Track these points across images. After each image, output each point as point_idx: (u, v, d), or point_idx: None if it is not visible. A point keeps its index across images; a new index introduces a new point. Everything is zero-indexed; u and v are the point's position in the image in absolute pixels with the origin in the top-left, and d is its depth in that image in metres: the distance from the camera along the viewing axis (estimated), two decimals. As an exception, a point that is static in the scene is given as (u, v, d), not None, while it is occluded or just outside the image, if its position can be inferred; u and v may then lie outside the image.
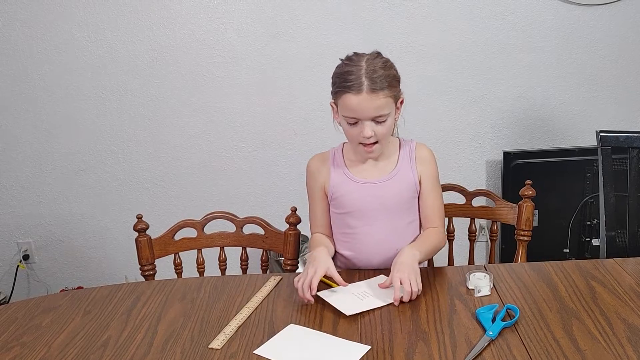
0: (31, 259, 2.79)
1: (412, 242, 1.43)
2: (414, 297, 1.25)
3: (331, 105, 1.40)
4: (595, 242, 2.59)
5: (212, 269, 1.71)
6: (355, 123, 1.31)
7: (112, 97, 2.57)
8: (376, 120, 1.30)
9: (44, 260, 2.80)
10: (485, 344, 1.10)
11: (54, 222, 2.75)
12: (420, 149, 1.47)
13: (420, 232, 1.50)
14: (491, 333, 1.13)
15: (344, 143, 1.48)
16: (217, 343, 1.16)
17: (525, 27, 2.53)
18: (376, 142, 1.34)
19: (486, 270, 1.38)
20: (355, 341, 1.13)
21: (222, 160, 2.66)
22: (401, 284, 1.24)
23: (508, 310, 1.21)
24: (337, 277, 1.29)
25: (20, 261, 2.75)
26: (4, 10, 2.44)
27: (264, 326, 1.22)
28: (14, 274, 2.76)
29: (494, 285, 1.33)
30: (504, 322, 1.16)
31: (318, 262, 1.29)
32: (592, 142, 1.80)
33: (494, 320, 1.17)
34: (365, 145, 1.34)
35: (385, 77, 1.29)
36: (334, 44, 2.51)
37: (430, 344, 1.12)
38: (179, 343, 1.18)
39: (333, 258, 1.51)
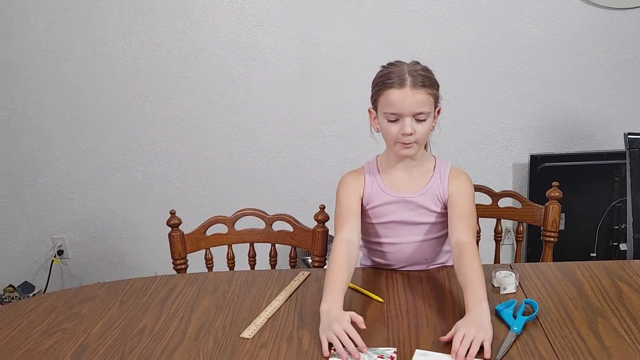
0: (65, 255, 2.88)
1: (470, 286, 1.23)
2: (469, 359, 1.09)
3: (369, 111, 1.42)
4: (623, 246, 2.57)
5: (241, 265, 1.75)
6: (396, 120, 1.33)
7: (145, 97, 2.65)
8: (417, 117, 1.32)
9: (77, 255, 2.89)
10: (513, 340, 1.12)
11: (87, 219, 2.83)
12: (455, 170, 1.46)
13: (447, 243, 1.48)
14: (516, 328, 1.15)
15: (378, 156, 1.50)
16: (248, 333, 1.20)
17: (554, 30, 2.53)
18: (414, 142, 1.35)
19: (512, 268, 1.39)
20: (384, 340, 1.15)
21: (251, 160, 2.71)
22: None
23: (527, 305, 1.22)
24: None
25: (55, 256, 2.84)
26: (43, 14, 2.53)
27: (294, 318, 1.26)
28: (49, 269, 2.85)
29: (519, 284, 1.35)
30: (526, 317, 1.18)
31: (342, 318, 1.16)
32: (620, 145, 1.81)
33: (515, 316, 1.19)
34: (403, 144, 1.35)
35: (427, 77, 1.32)
36: (362, 47, 2.54)
37: (456, 338, 1.14)
38: (211, 332, 1.22)
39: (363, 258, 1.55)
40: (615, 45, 2.55)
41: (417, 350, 1.12)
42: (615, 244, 2.61)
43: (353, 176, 1.48)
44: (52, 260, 2.84)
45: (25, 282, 2.88)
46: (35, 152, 2.74)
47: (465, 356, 1.07)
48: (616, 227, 2.60)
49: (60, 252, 2.86)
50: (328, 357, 1.11)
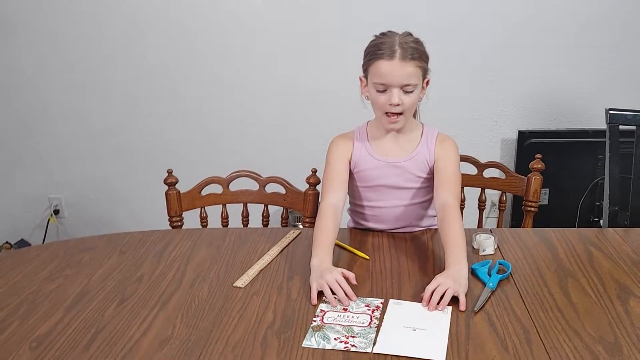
0: (61, 214, 2.94)
1: (450, 244, 1.30)
2: (440, 307, 1.15)
3: (360, 79, 1.47)
4: (602, 222, 2.66)
5: (235, 224, 1.82)
6: (384, 91, 1.38)
7: (143, 61, 2.68)
8: (404, 89, 1.37)
9: (73, 215, 2.96)
10: (488, 295, 1.20)
11: (84, 180, 2.89)
12: (442, 136, 1.51)
13: (432, 207, 1.56)
14: (491, 285, 1.23)
15: (368, 122, 1.56)
16: (241, 282, 1.28)
17: (545, 8, 2.58)
18: (401, 114, 1.41)
19: (491, 232, 1.47)
20: (368, 293, 1.23)
21: (245, 126, 2.77)
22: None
23: (500, 265, 1.31)
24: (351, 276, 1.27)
25: (52, 215, 2.91)
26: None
27: (284, 270, 1.34)
28: (45, 228, 2.92)
29: (497, 246, 1.43)
30: (500, 275, 1.26)
31: (332, 270, 1.25)
32: (603, 124, 1.88)
33: (489, 274, 1.27)
34: (390, 115, 1.41)
35: (417, 50, 1.37)
36: (359, 17, 2.59)
37: (435, 292, 1.22)
38: (206, 281, 1.30)
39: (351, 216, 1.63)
40: (605, 25, 2.60)
41: (390, 300, 1.20)
42: (596, 219, 2.70)
43: (343, 139, 1.54)
44: (49, 219, 2.91)
45: (22, 239, 2.94)
46: (32, 112, 2.78)
47: (438, 304, 1.15)
48: (597, 203, 2.69)
49: (56, 212, 2.92)
50: (316, 305, 1.19)
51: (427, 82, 1.44)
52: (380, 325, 1.11)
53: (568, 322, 1.11)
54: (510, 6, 2.57)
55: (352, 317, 1.14)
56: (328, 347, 1.05)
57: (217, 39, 2.65)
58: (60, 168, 2.87)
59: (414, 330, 1.10)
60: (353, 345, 1.05)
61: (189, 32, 2.64)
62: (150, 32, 2.64)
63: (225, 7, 2.60)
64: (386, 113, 1.41)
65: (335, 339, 1.07)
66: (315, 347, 1.05)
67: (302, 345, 1.05)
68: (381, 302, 1.19)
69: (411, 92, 1.39)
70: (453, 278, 1.19)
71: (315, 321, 1.13)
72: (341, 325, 1.12)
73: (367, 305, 1.18)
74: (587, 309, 1.16)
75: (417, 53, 1.37)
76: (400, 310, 1.17)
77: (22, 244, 2.92)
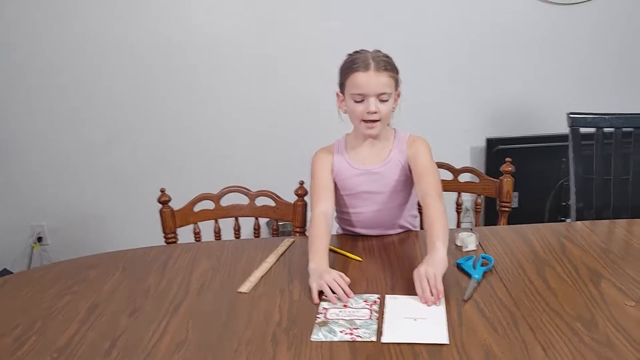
0: (44, 241, 2.96)
1: (432, 235, 1.39)
2: (440, 296, 1.25)
3: (337, 95, 1.58)
4: (569, 220, 2.82)
5: (227, 237, 1.89)
6: (362, 101, 1.50)
7: (121, 85, 2.76)
8: (380, 97, 1.49)
9: (56, 242, 2.97)
10: (475, 285, 1.31)
11: (66, 206, 2.92)
12: (412, 137, 1.63)
13: (413, 208, 1.69)
14: (477, 276, 1.34)
15: (346, 134, 1.67)
16: (245, 288, 1.36)
17: (507, 24, 2.76)
18: (378, 121, 1.52)
19: (472, 230, 1.59)
20: (364, 291, 1.32)
21: (228, 144, 2.85)
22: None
23: (483, 259, 1.42)
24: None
25: (35, 243, 2.92)
26: (14, 3, 2.60)
27: (284, 275, 1.43)
28: (29, 256, 2.92)
29: (479, 243, 1.54)
30: (484, 267, 1.37)
31: (330, 271, 1.34)
32: (567, 129, 2.03)
33: (474, 267, 1.38)
34: (367, 122, 1.52)
35: (388, 62, 1.50)
36: (331, 37, 2.71)
37: (426, 286, 1.33)
38: (211, 289, 1.37)
39: (339, 223, 1.73)
40: (562, 37, 2.80)
41: (386, 295, 1.30)
42: (562, 219, 2.86)
43: (324, 152, 1.65)
44: (32, 247, 2.92)
45: (5, 269, 2.94)
46: (12, 140, 2.81)
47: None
48: (564, 203, 2.85)
49: (39, 239, 2.94)
50: (318, 303, 1.27)
51: (399, 94, 1.57)
52: (382, 318, 1.21)
53: (549, 305, 1.22)
54: (473, 22, 2.74)
55: (353, 312, 1.24)
56: (335, 339, 1.14)
57: (196, 60, 2.73)
58: (42, 195, 2.90)
59: (415, 320, 1.19)
60: (358, 336, 1.14)
61: (170, 54, 2.72)
62: (129, 53, 2.71)
63: (210, 23, 2.69)
64: (364, 120, 1.52)
65: (340, 331, 1.16)
66: (323, 339, 1.13)
67: (311, 339, 1.14)
68: (378, 297, 1.29)
69: (386, 100, 1.51)
70: (428, 264, 1.29)
71: (319, 318, 1.22)
72: (344, 319, 1.21)
73: (365, 301, 1.28)
74: (564, 292, 1.28)
75: (389, 65, 1.51)
76: (397, 303, 1.26)
77: (5, 273, 2.91)
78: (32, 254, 2.92)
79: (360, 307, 1.25)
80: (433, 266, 1.28)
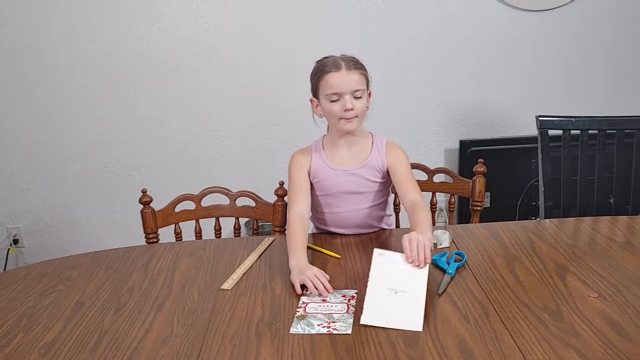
0: (20, 243, 2.94)
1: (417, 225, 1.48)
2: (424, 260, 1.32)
3: (311, 101, 1.64)
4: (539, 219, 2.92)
5: (208, 237, 1.93)
6: (337, 100, 1.55)
7: (100, 89, 2.76)
8: (354, 95, 1.55)
9: (32, 244, 2.96)
10: (449, 280, 1.38)
11: (42, 208, 2.91)
12: (390, 143, 1.69)
13: (388, 208, 1.75)
14: (450, 271, 1.40)
15: (324, 136, 1.72)
16: (228, 285, 1.40)
17: (477, 29, 2.85)
18: (355, 116, 1.58)
19: (446, 228, 1.66)
20: (343, 286, 1.38)
21: (205, 149, 2.88)
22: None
23: (456, 255, 1.49)
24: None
25: (11, 245, 2.90)
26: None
27: (265, 272, 1.47)
28: (5, 258, 2.91)
29: (452, 240, 1.61)
30: (457, 263, 1.44)
31: (311, 267, 1.39)
32: (536, 131, 2.12)
33: (448, 263, 1.44)
34: (346, 119, 1.57)
35: (357, 62, 1.58)
36: (306, 43, 2.77)
37: (402, 280, 1.38)
38: (194, 286, 1.41)
39: (315, 224, 1.78)
40: (530, 42, 2.90)
41: (375, 249, 1.35)
42: (533, 218, 2.96)
43: (301, 154, 1.70)
44: (8, 249, 2.90)
45: (-20, 271, 2.92)
46: (-12, 143, 2.79)
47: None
48: (534, 203, 2.94)
49: (15, 241, 2.92)
50: (300, 296, 1.32)
51: (370, 94, 1.63)
52: (365, 287, 1.27)
53: (517, 297, 1.29)
54: (444, 28, 2.83)
55: (331, 306, 1.29)
56: (313, 332, 1.19)
57: (172, 65, 2.76)
58: (18, 197, 2.88)
59: (396, 292, 1.26)
60: (335, 329, 1.19)
61: (145, 59, 2.74)
62: (106, 59, 2.72)
63: (181, 35, 2.72)
64: (342, 118, 1.57)
65: (318, 324, 1.21)
66: (302, 332, 1.18)
67: (290, 332, 1.18)
68: (355, 292, 1.34)
69: (360, 97, 1.57)
70: (418, 233, 1.37)
71: (298, 311, 1.26)
72: (322, 313, 1.26)
73: (344, 296, 1.33)
74: (532, 285, 1.35)
75: (358, 64, 1.59)
76: (384, 261, 1.32)
77: (-20, 276, 2.90)
78: (7, 256, 2.90)
79: (338, 302, 1.30)
80: (423, 236, 1.36)
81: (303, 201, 1.63)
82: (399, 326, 1.18)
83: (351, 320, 1.22)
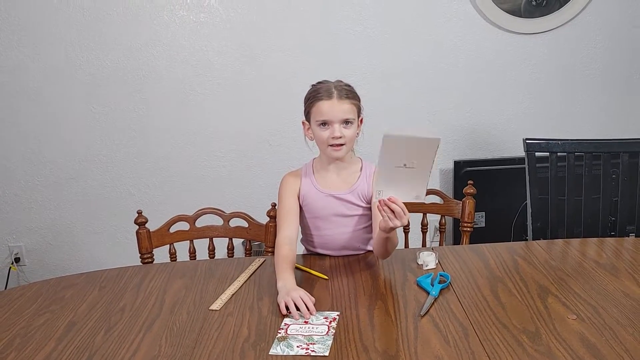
0: (22, 262, 2.99)
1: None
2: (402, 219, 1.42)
3: (303, 123, 1.70)
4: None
5: (202, 257, 1.97)
6: (327, 127, 1.60)
7: (101, 111, 2.82)
8: (344, 123, 1.60)
9: (34, 262, 3.00)
10: (432, 302, 1.41)
11: (44, 227, 2.96)
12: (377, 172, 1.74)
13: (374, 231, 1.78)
14: (434, 293, 1.43)
15: (314, 159, 1.77)
16: (216, 305, 1.43)
17: (472, 52, 2.90)
18: (343, 144, 1.63)
19: (432, 249, 1.69)
20: (329, 307, 1.41)
21: (204, 168, 2.93)
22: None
23: (441, 276, 1.52)
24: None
25: (12, 263, 2.95)
26: (5, 33, 2.68)
27: (254, 293, 1.50)
28: (7, 276, 2.95)
29: (439, 261, 1.64)
30: (441, 285, 1.47)
31: (297, 289, 1.43)
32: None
33: (432, 284, 1.47)
34: (334, 146, 1.62)
35: (350, 91, 1.62)
36: (302, 66, 2.83)
37: (387, 302, 1.42)
38: (184, 307, 1.44)
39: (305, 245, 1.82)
40: (524, 64, 2.94)
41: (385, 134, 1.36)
42: (527, 238, 2.97)
43: (292, 177, 1.75)
44: (10, 268, 2.95)
45: (-19, 289, 2.96)
46: (-9, 163, 2.85)
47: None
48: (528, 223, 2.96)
49: (17, 260, 2.97)
50: (284, 316, 1.36)
51: (362, 121, 1.68)
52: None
53: (498, 318, 1.32)
54: (441, 51, 2.88)
55: (312, 328, 1.32)
56: (292, 353, 1.22)
57: (172, 87, 2.82)
58: (20, 216, 2.93)
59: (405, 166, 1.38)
60: (313, 351, 1.22)
61: (146, 81, 2.80)
62: (108, 81, 2.79)
63: (180, 58, 2.79)
64: (330, 145, 1.62)
65: (297, 346, 1.24)
66: (281, 354, 1.22)
67: (269, 353, 1.22)
68: (337, 315, 1.37)
69: (350, 124, 1.62)
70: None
71: (280, 333, 1.30)
72: (302, 334, 1.29)
73: (325, 318, 1.36)
74: (513, 306, 1.37)
75: (350, 93, 1.63)
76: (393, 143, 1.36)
77: (-18, 294, 2.94)
78: (9, 274, 2.94)
79: (319, 324, 1.33)
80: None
81: (292, 225, 1.68)
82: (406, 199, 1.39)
83: (330, 342, 1.25)
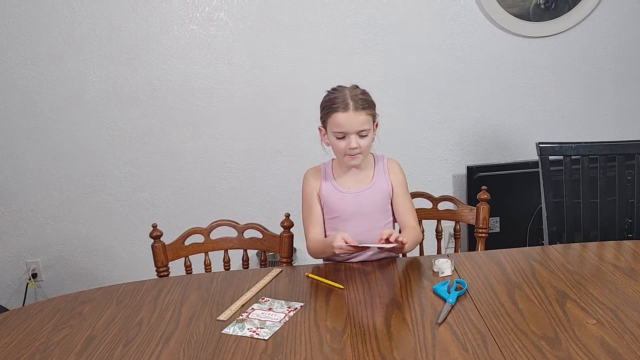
0: (39, 277, 3.01)
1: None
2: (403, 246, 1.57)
3: (319, 129, 1.73)
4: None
5: (217, 269, 1.97)
6: (343, 137, 1.63)
7: (115, 126, 2.85)
8: (360, 134, 1.62)
9: (50, 278, 3.03)
10: (449, 309, 1.40)
11: (60, 242, 2.98)
12: (391, 163, 1.80)
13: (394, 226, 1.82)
14: (451, 300, 1.42)
15: (333, 159, 1.79)
16: (224, 316, 1.44)
17: (483, 57, 2.89)
18: (359, 153, 1.65)
19: (448, 256, 1.68)
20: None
21: (217, 180, 2.94)
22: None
23: (457, 283, 1.51)
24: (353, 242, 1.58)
25: (30, 279, 2.97)
26: (15, 49, 2.72)
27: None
28: (24, 292, 2.98)
29: (454, 268, 1.63)
30: (458, 292, 1.46)
31: (336, 234, 1.61)
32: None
33: (449, 292, 1.47)
34: (350, 155, 1.65)
35: (365, 100, 1.63)
36: (315, 75, 2.84)
37: (403, 310, 1.41)
38: (201, 319, 1.45)
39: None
40: (535, 67, 2.93)
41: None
42: (543, 242, 2.95)
43: (313, 176, 1.80)
44: (27, 283, 2.97)
45: (0, 306, 2.98)
46: (8, 180, 2.89)
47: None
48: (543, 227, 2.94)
49: (34, 275, 2.99)
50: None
51: (377, 125, 1.71)
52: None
53: (516, 325, 1.31)
54: (451, 57, 2.88)
55: (271, 314, 1.42)
56: (239, 334, 1.34)
57: (184, 100, 2.84)
58: (36, 232, 2.96)
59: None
60: (257, 334, 1.34)
61: (158, 95, 2.83)
62: (120, 96, 2.82)
63: (192, 71, 2.81)
64: (346, 154, 1.66)
65: (248, 328, 1.36)
66: (231, 334, 1.35)
67: (222, 332, 1.33)
68: (301, 305, 1.47)
69: (366, 135, 1.65)
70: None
71: (242, 316, 1.42)
72: (260, 319, 1.40)
73: (289, 307, 1.45)
74: (531, 312, 1.36)
75: (366, 103, 1.64)
76: None
77: (0, 310, 2.96)
78: (26, 290, 2.97)
79: (279, 312, 1.43)
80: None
81: (318, 225, 1.76)
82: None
83: (276, 329, 1.35)
